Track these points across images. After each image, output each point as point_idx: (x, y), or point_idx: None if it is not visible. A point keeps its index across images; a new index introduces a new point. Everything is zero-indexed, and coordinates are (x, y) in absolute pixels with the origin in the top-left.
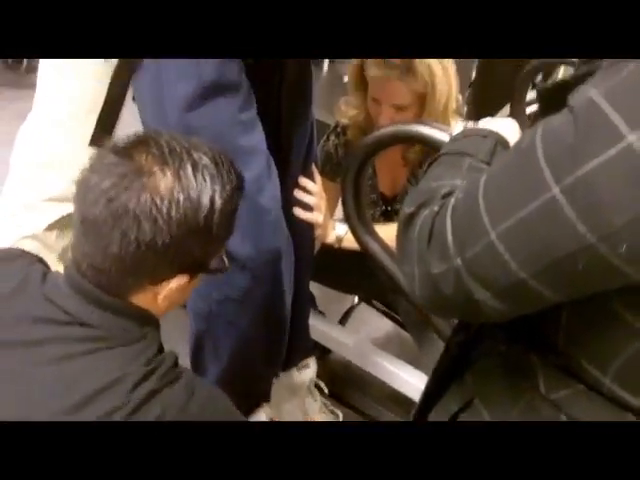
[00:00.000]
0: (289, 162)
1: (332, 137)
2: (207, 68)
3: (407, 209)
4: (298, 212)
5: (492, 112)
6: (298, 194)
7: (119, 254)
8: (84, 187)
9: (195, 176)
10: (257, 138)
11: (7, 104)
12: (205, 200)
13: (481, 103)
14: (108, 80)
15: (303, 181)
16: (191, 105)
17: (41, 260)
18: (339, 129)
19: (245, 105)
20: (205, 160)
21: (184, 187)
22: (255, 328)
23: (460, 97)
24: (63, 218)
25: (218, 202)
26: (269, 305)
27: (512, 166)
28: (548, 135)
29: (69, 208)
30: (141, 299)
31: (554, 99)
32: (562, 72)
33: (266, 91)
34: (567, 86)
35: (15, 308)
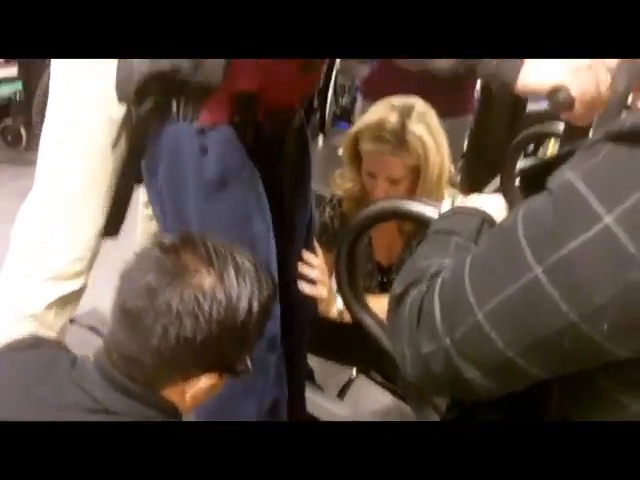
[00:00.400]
0: (292, 238)
1: (328, 209)
2: (211, 163)
3: (397, 289)
4: (303, 287)
5: (484, 182)
6: (302, 268)
7: (158, 347)
8: (128, 279)
9: (237, 278)
10: (259, 227)
11: (7, 181)
12: (244, 303)
13: (473, 173)
14: (110, 158)
15: (306, 255)
16: (198, 203)
17: (65, 347)
18: (334, 201)
19: (249, 191)
20: (247, 264)
21: (226, 288)
22: (261, 419)
23: (453, 168)
24: (62, 297)
25: (255, 306)
26: (272, 392)
27: (496, 246)
28: (529, 217)
29: (68, 287)
30: (169, 394)
31: (536, 179)
32: (552, 144)
33: (267, 172)
34: (549, 167)
35: (40, 394)
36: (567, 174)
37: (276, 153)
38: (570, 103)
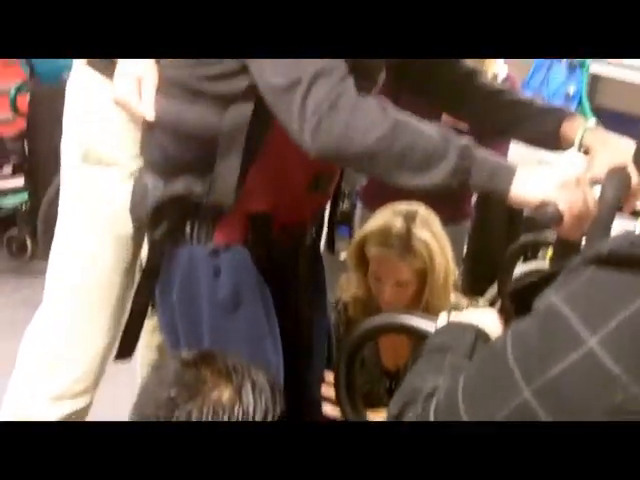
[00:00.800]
0: (311, 356)
1: (333, 315)
2: (224, 284)
3: (393, 409)
4: (325, 409)
5: (484, 287)
6: (324, 389)
7: None
8: (148, 391)
9: (254, 395)
10: (270, 346)
11: (11, 293)
12: (259, 418)
13: (473, 278)
14: (117, 276)
15: (328, 375)
16: (211, 323)
17: None
18: (340, 306)
19: (261, 311)
20: (262, 381)
21: (243, 404)
22: None
23: (457, 271)
24: (66, 417)
25: (269, 421)
26: None
27: (487, 369)
28: (517, 339)
29: (72, 406)
30: None
31: (525, 298)
32: (550, 251)
33: (282, 290)
34: (538, 285)
35: None
36: (552, 297)
37: (290, 271)
38: (558, 218)
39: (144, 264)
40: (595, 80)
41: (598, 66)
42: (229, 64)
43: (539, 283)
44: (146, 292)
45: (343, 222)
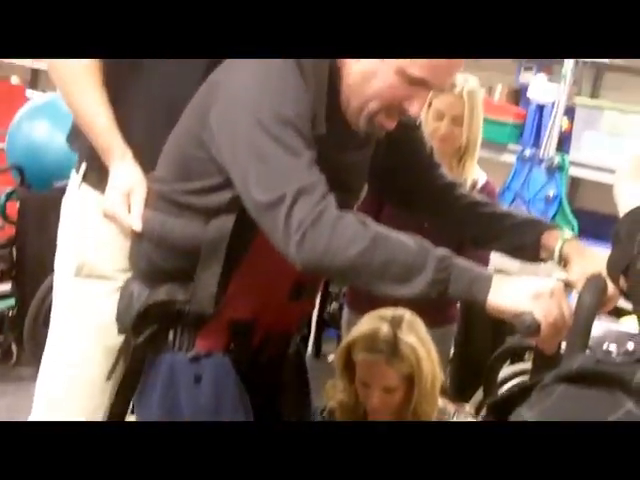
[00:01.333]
0: None
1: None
2: (204, 391)
3: None
4: None
5: (472, 390)
6: None
7: None
8: None
9: None
10: None
11: None
12: None
13: (460, 382)
14: (106, 387)
15: None
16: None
17: None
18: (325, 413)
19: (242, 420)
20: None
21: None
22: None
23: (443, 375)
24: None
25: None
26: None
27: None
28: None
29: None
30: None
31: (504, 411)
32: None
33: (265, 399)
34: (514, 399)
35: None
36: (525, 414)
37: (273, 378)
38: (535, 327)
39: (125, 369)
40: (575, 183)
41: (577, 169)
42: (213, 179)
43: (516, 396)
44: (126, 396)
45: (331, 325)
